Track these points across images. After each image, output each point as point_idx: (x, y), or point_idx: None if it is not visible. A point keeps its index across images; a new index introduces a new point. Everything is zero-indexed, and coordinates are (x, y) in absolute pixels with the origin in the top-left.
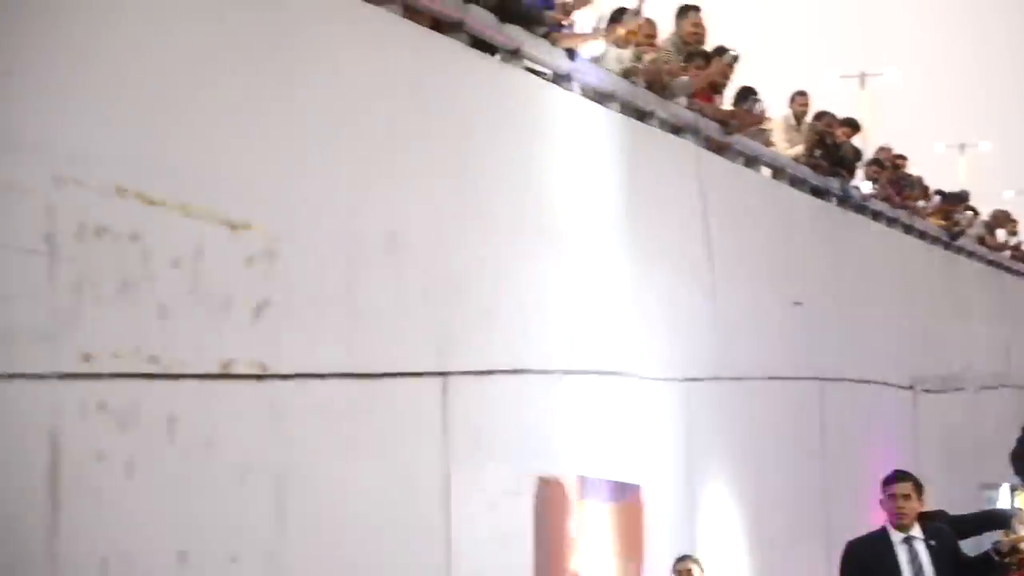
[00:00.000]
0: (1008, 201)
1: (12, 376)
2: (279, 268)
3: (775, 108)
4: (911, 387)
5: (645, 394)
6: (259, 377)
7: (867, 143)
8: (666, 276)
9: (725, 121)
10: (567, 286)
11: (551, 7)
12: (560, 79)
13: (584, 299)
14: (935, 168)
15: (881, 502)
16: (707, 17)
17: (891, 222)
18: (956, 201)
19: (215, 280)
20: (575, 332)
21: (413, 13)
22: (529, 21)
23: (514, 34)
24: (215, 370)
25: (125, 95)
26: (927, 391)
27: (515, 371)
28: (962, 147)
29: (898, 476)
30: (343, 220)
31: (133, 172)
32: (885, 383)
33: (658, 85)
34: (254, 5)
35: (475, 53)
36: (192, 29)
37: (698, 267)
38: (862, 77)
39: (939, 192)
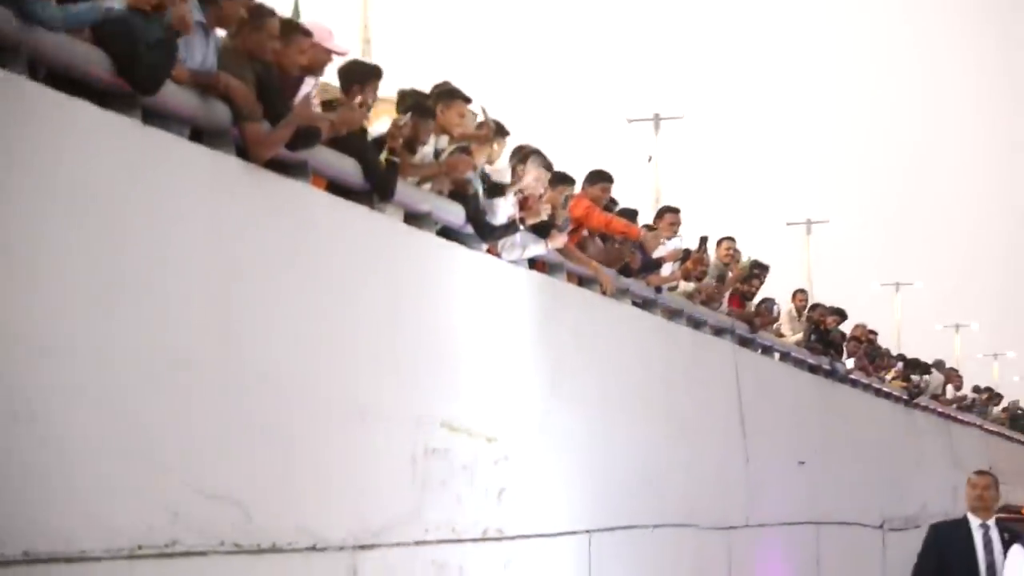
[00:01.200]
0: (938, 332)
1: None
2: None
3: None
4: (881, 526)
5: (699, 542)
6: (497, 539)
7: (811, 285)
8: (713, 446)
9: (751, 322)
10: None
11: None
12: (647, 304)
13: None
14: (871, 305)
15: (966, 493)
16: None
17: (865, 388)
18: (914, 367)
19: (482, 474)
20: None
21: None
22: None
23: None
24: (478, 535)
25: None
26: (893, 529)
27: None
28: (897, 286)
29: (980, 472)
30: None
31: (457, 414)
32: (862, 524)
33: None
34: None
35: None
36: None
37: (734, 437)
38: (808, 224)
39: (900, 358)
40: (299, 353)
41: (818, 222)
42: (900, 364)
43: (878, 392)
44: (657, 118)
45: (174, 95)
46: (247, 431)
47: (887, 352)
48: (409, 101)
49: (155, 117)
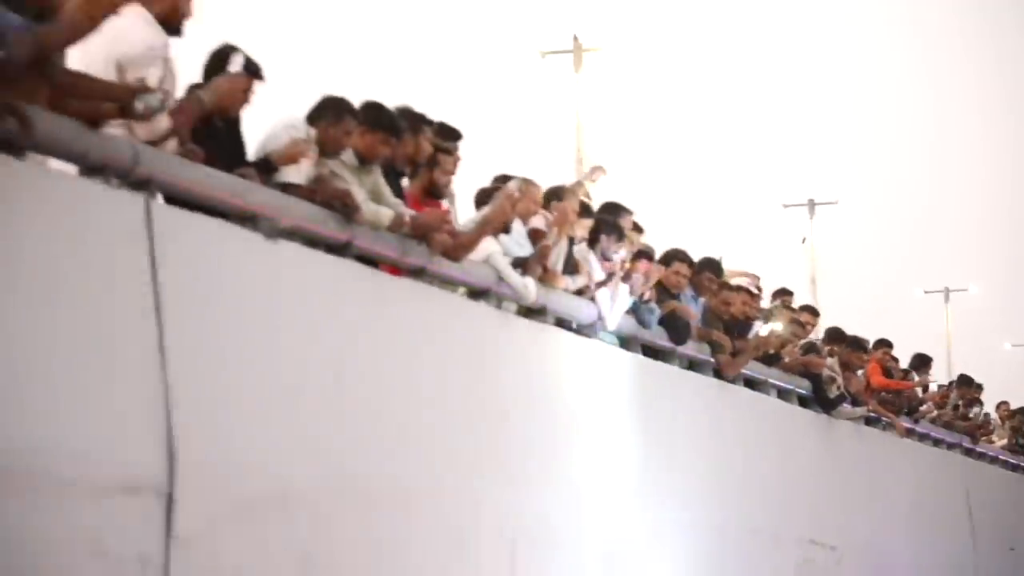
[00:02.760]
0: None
1: None
2: None
3: None
4: None
5: None
6: None
7: (951, 351)
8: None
9: (973, 434)
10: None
11: None
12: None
13: None
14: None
15: None
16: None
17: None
18: None
19: None
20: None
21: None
22: None
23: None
24: None
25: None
26: None
27: None
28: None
29: None
30: None
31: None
32: None
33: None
34: None
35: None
36: None
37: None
38: (946, 292)
39: None
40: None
41: (956, 290)
42: None
43: None
44: (812, 203)
45: None
46: None
47: None
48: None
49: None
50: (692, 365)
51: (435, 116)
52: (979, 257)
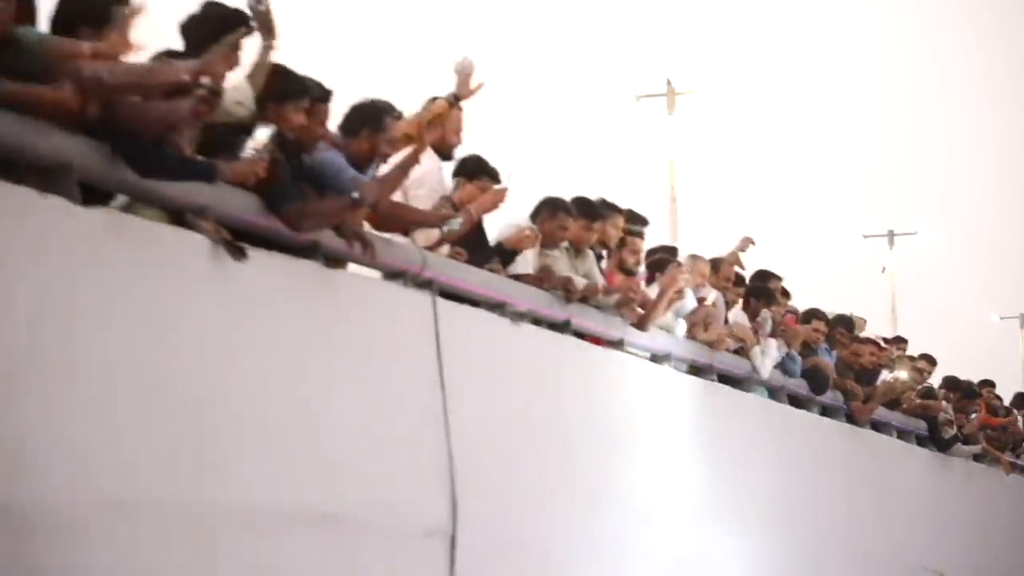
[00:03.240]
0: None
1: None
2: None
3: None
4: None
5: None
6: None
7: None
8: None
9: None
10: None
11: None
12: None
13: None
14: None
15: None
16: None
17: None
18: None
19: None
20: None
21: None
22: None
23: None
24: None
25: None
26: None
27: None
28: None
29: None
30: None
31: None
32: None
33: None
34: None
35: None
36: None
37: None
38: (890, 235)
39: None
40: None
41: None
42: None
43: None
44: (891, 234)
45: None
46: None
47: None
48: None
49: None
50: (826, 411)
51: (535, 157)
52: None
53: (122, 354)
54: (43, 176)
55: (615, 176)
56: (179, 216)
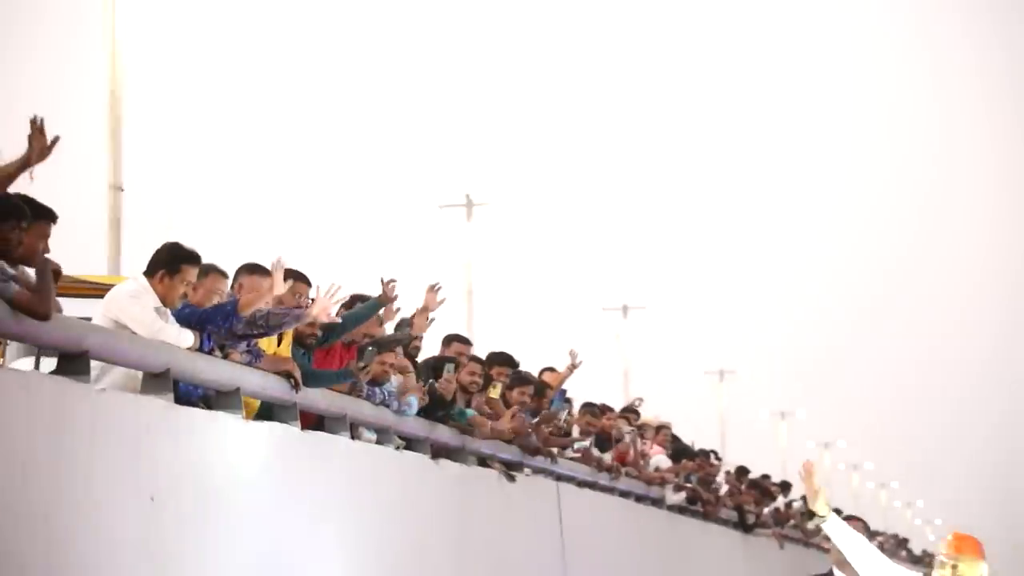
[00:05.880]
0: (763, 420)
1: None
2: None
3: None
4: None
5: None
6: None
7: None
8: None
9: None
10: None
11: None
12: None
13: None
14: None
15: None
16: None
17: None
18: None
19: None
20: None
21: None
22: None
23: None
24: None
25: None
26: None
27: None
28: (721, 374)
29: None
30: None
31: None
32: None
33: None
34: None
35: None
36: None
37: None
38: (624, 309)
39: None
40: None
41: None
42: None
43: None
44: (625, 308)
45: None
46: None
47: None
48: None
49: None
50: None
51: (337, 263)
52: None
53: None
54: None
55: (419, 274)
56: None
